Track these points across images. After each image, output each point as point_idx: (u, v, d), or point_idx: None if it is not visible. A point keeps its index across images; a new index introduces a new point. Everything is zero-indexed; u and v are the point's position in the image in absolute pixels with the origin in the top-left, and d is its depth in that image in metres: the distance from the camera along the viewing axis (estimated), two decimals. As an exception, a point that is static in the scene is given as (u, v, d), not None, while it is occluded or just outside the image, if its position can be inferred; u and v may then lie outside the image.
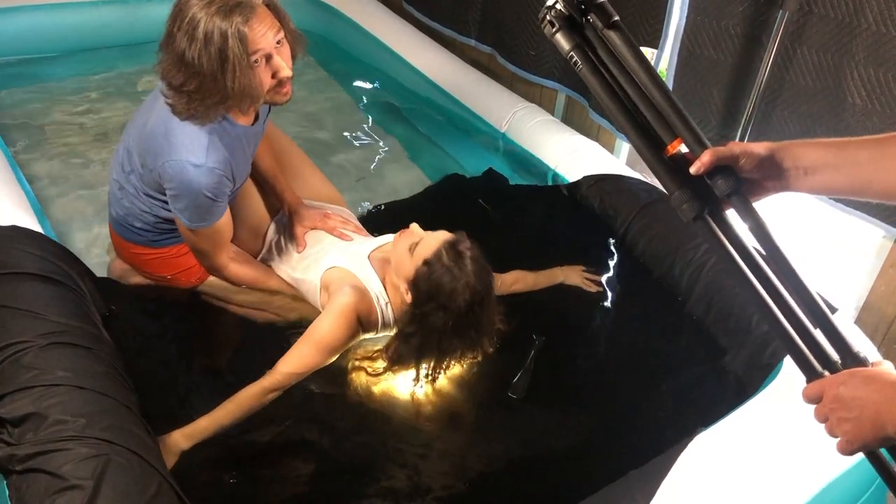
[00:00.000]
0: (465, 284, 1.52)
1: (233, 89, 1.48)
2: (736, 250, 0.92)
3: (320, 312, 1.70)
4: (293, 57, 1.59)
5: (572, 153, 2.47)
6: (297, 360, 1.58)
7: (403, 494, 1.49)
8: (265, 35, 1.47)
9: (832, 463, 1.41)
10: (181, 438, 1.47)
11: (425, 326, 1.58)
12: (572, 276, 2.04)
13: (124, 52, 3.34)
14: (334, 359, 1.64)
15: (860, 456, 0.86)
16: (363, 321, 1.65)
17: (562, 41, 0.97)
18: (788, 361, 1.62)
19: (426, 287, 1.54)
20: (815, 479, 1.40)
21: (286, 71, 1.54)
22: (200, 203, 1.59)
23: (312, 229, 1.90)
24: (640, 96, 0.96)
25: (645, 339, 1.90)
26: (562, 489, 1.51)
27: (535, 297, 1.98)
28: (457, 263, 1.52)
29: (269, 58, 1.51)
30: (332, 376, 1.71)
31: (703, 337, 1.87)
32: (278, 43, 1.52)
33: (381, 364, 1.69)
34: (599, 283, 2.04)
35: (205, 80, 1.47)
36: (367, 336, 1.70)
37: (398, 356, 1.64)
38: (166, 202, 1.66)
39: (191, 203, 1.59)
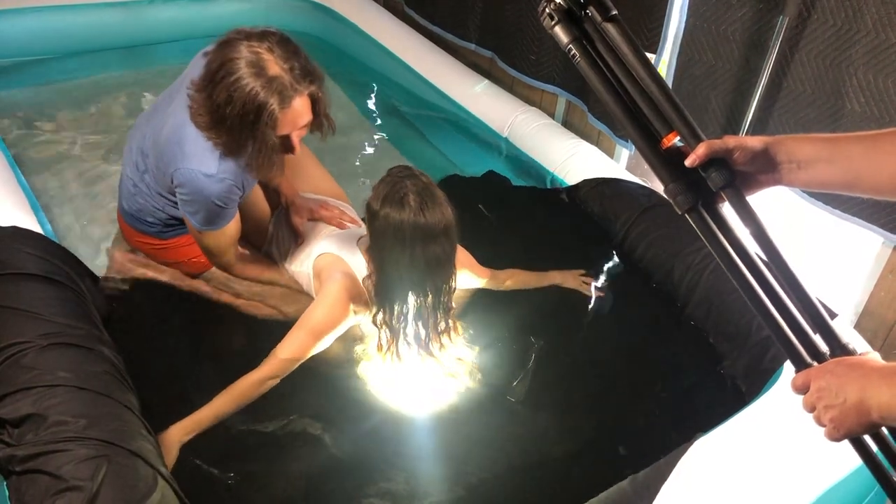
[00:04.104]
0: (408, 218, 1.48)
1: (251, 158, 1.57)
2: (729, 242, 0.93)
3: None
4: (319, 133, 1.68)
5: (573, 157, 2.47)
6: (292, 347, 1.59)
7: (402, 497, 1.49)
8: (294, 122, 1.56)
9: (831, 468, 1.42)
10: (180, 431, 1.48)
11: (385, 264, 1.56)
12: (569, 279, 2.04)
13: (126, 54, 3.35)
14: (329, 344, 1.65)
15: (859, 462, 0.87)
16: (355, 305, 1.66)
17: (560, 34, 0.98)
18: (788, 367, 1.62)
19: (374, 227, 1.54)
20: (815, 484, 1.40)
21: (296, 151, 1.63)
22: (211, 209, 1.64)
23: (310, 220, 1.92)
24: (637, 89, 0.97)
25: (644, 343, 1.90)
26: (561, 494, 1.51)
27: (534, 301, 1.99)
28: (396, 200, 1.50)
29: (287, 136, 1.59)
30: (333, 378, 1.72)
31: (703, 342, 1.87)
32: (302, 128, 1.60)
33: (372, 349, 1.71)
34: (597, 288, 2.04)
35: (231, 137, 1.55)
36: (360, 318, 1.71)
37: (377, 300, 1.62)
38: (177, 203, 1.70)
39: (201, 209, 1.64)
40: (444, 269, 1.57)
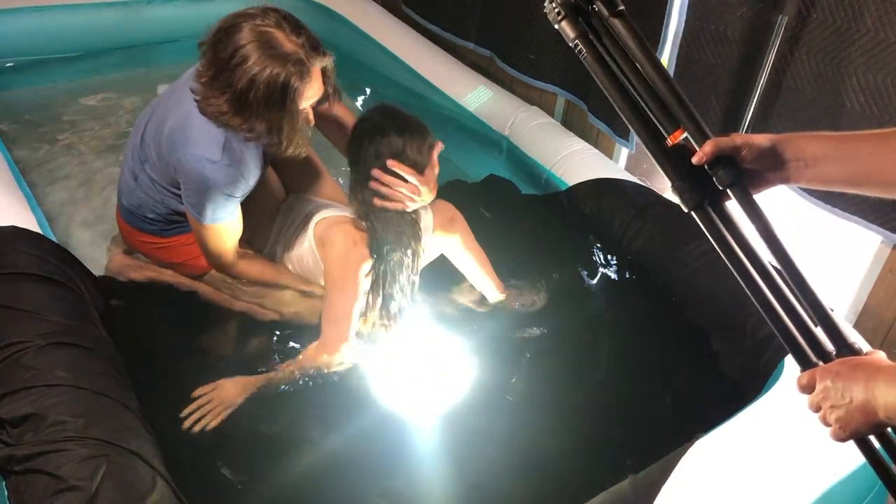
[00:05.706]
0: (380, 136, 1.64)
1: (282, 135, 1.59)
2: (735, 241, 0.93)
3: (319, 311, 1.72)
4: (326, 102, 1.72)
5: (573, 157, 2.47)
6: (340, 309, 1.65)
7: (403, 497, 1.49)
8: (314, 95, 1.59)
9: (831, 468, 1.42)
10: (250, 384, 1.61)
11: (363, 174, 1.66)
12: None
13: (125, 54, 3.34)
14: (366, 285, 1.69)
15: (860, 461, 0.86)
16: (364, 248, 1.68)
17: (567, 29, 0.98)
18: (787, 366, 1.62)
19: (352, 151, 1.68)
20: (815, 484, 1.40)
21: (313, 122, 1.67)
22: (214, 199, 1.62)
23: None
24: (643, 85, 0.97)
25: (643, 343, 1.90)
26: (560, 494, 1.51)
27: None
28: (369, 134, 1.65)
29: (305, 109, 1.62)
30: (333, 377, 1.71)
31: (701, 342, 1.86)
32: (317, 102, 1.64)
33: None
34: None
35: (259, 120, 1.55)
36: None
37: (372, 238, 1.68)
38: (179, 195, 1.69)
39: (204, 198, 1.62)
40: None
